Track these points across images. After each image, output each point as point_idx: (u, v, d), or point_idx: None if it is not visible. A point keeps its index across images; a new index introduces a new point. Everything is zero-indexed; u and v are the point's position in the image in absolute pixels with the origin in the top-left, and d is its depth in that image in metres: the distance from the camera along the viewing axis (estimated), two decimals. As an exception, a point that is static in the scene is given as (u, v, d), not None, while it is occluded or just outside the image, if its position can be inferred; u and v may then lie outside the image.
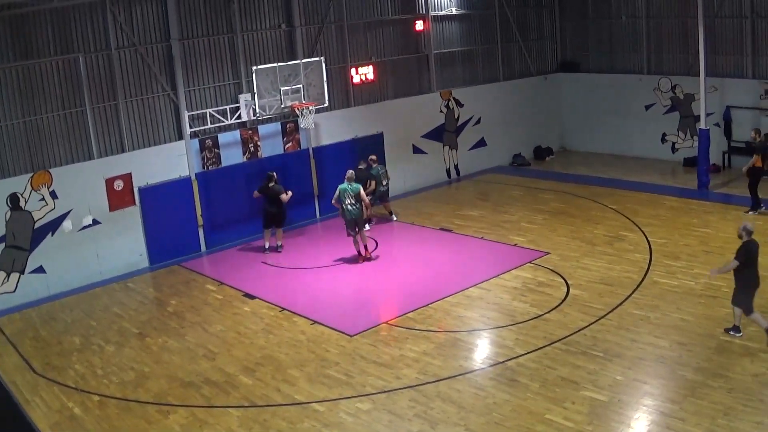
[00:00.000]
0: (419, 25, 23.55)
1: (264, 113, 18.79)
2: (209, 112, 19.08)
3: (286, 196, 18.15)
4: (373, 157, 19.94)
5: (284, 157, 20.56)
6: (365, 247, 17.48)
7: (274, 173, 18.39)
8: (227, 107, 19.36)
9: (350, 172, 17.67)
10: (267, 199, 18.34)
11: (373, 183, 19.41)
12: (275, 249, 18.56)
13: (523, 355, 12.15)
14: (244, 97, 19.29)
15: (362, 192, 17.24)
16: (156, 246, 18.60)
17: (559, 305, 14.02)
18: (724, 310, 12.95)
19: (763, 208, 18.29)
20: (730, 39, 22.74)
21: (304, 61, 19.35)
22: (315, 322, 14.35)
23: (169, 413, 11.42)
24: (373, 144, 22.06)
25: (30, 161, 16.95)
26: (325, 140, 21.33)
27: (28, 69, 16.70)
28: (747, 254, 11.65)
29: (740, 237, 11.83)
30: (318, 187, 20.44)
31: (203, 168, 19.35)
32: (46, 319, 15.82)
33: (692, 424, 9.69)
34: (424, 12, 23.67)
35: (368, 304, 15.46)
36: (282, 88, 18.55)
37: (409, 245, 18.80)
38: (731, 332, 12.06)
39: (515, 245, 17.65)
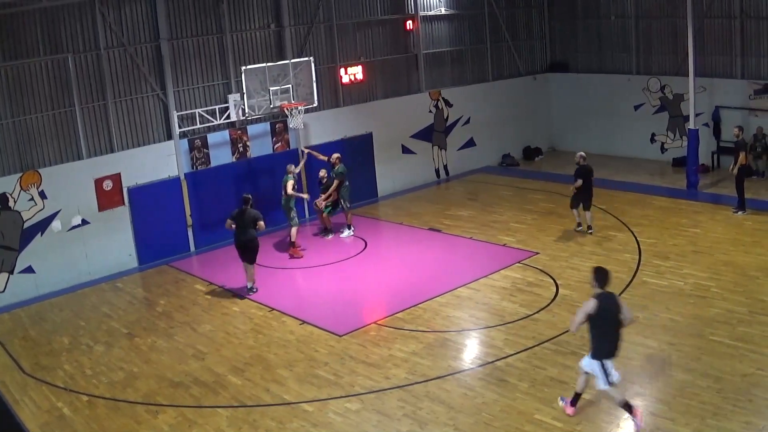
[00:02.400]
0: (408, 25, 23.56)
1: (253, 113, 18.75)
2: (198, 112, 19.03)
3: (263, 224, 15.76)
4: (338, 155, 19.50)
5: (273, 157, 20.54)
6: (293, 242, 18.17)
7: (250, 196, 16.00)
8: (216, 107, 19.32)
9: (290, 166, 18.27)
10: (239, 226, 15.68)
11: (336, 182, 19.08)
12: (249, 290, 16.01)
13: (513, 355, 12.18)
14: (233, 97, 19.24)
15: (289, 185, 17.76)
16: (145, 246, 18.56)
17: (548, 305, 14.06)
18: (713, 311, 13.05)
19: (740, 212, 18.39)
20: (719, 39, 22.82)
21: (293, 61, 19.33)
22: (304, 322, 14.34)
23: (158, 413, 11.39)
24: (363, 144, 22.11)
25: (19, 161, 16.88)
26: (315, 140, 21.29)
27: (16, 69, 16.63)
28: (576, 173, 17.42)
29: (577, 163, 17.48)
30: (307, 188, 20.36)
31: (192, 168, 19.31)
32: (35, 319, 15.76)
33: (681, 424, 9.73)
34: (413, 12, 23.67)
35: (357, 304, 15.45)
36: (271, 88, 18.52)
37: (398, 245, 18.81)
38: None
39: (504, 245, 17.69)
